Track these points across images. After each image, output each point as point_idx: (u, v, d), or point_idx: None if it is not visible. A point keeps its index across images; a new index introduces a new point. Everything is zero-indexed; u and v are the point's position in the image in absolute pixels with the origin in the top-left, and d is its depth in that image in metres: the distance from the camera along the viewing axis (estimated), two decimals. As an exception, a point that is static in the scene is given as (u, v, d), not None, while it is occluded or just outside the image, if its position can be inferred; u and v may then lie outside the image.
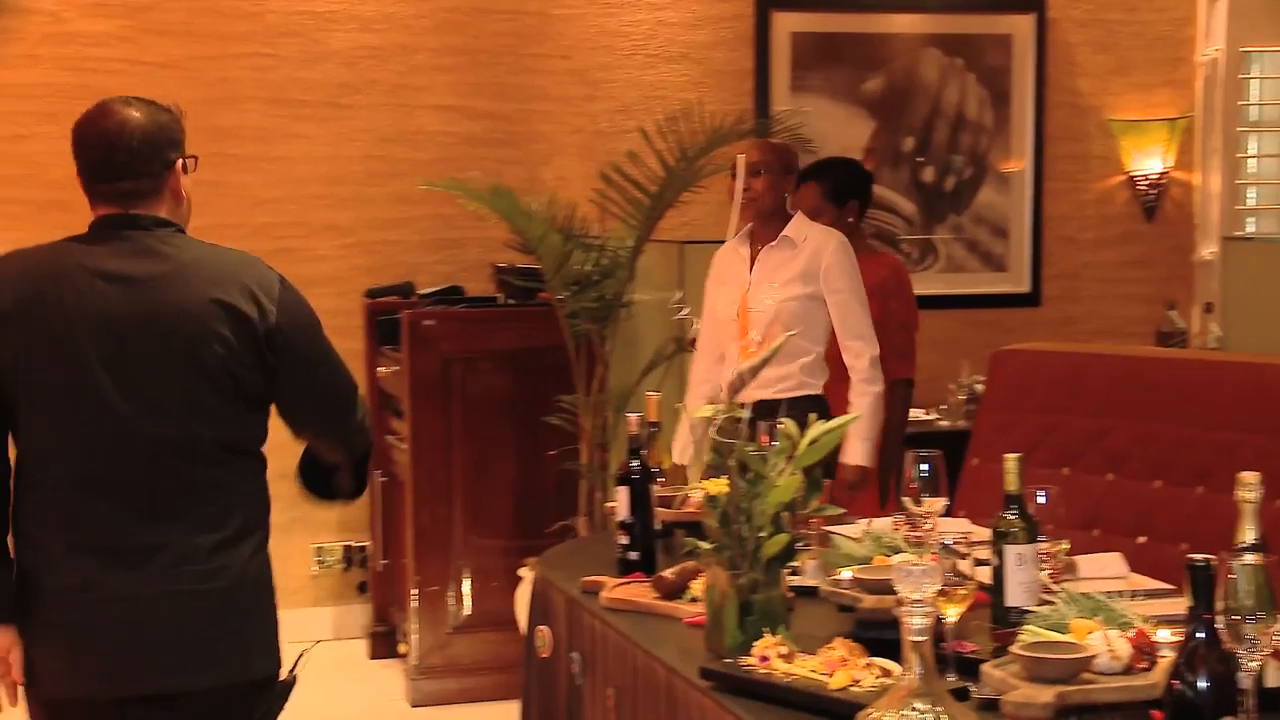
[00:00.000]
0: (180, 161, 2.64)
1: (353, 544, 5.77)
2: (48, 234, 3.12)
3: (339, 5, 5.68)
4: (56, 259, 2.60)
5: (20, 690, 2.64)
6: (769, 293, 4.21)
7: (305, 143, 5.65)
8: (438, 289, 5.44)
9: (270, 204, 5.66)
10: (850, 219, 4.71)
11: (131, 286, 2.55)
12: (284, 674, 2.72)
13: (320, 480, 2.89)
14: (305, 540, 5.74)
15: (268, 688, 2.68)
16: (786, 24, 6.12)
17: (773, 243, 4.27)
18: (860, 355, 4.24)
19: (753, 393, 4.07)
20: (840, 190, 4.70)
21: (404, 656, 5.21)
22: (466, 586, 5.10)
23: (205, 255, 2.63)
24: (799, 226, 4.29)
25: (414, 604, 5.07)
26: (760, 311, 4.18)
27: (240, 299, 2.57)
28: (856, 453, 4.18)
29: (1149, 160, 6.50)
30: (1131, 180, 6.55)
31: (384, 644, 5.52)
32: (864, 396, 4.19)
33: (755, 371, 2.70)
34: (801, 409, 3.93)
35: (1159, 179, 6.52)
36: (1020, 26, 6.39)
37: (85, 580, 2.54)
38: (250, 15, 5.58)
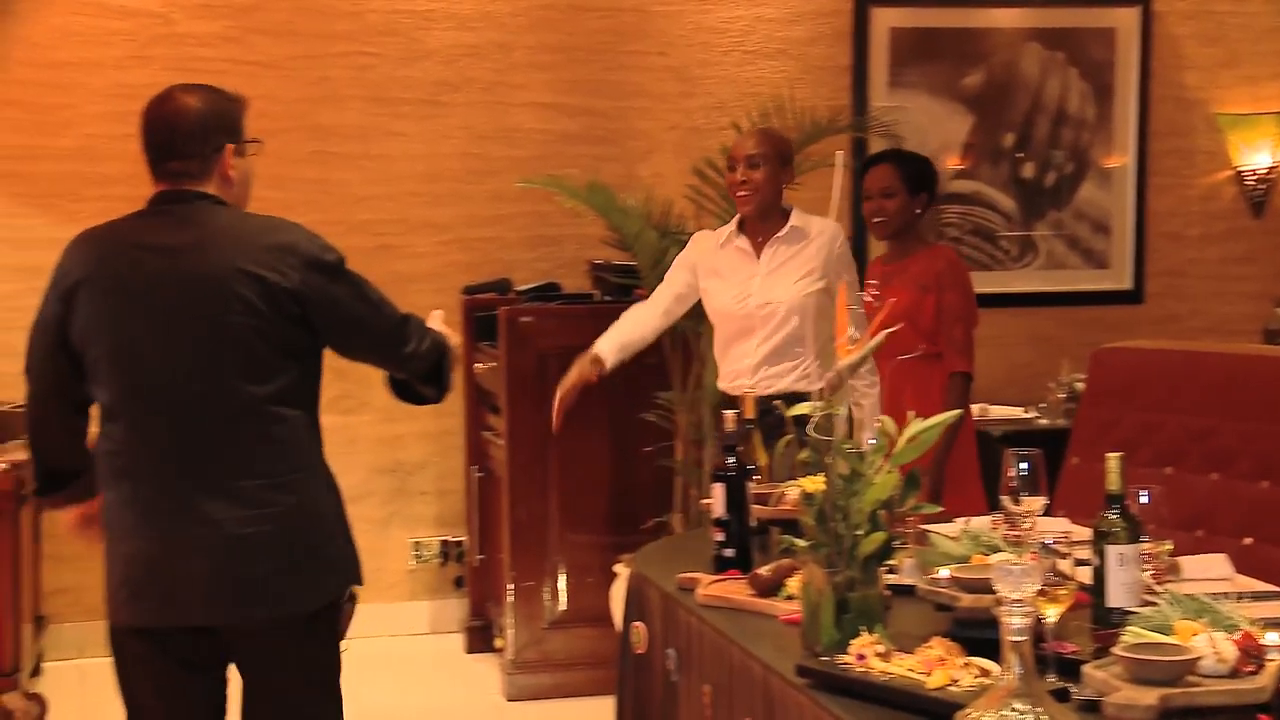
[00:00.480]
0: (230, 146, 2.86)
1: (449, 539, 5.82)
2: None
3: (438, 4, 5.74)
4: (116, 234, 2.88)
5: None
6: (785, 287, 4.15)
7: (404, 140, 5.72)
8: (535, 285, 5.47)
9: (369, 201, 5.73)
10: (919, 210, 4.63)
11: (168, 255, 2.80)
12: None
13: (407, 389, 3.11)
14: (403, 535, 5.80)
15: (320, 617, 2.88)
16: (886, 19, 6.09)
17: (779, 234, 4.19)
18: (873, 387, 4.19)
19: (769, 382, 4.10)
20: (917, 178, 4.63)
21: (500, 651, 5.24)
22: (562, 582, 5.12)
23: (234, 223, 2.84)
24: (805, 218, 4.22)
25: (510, 599, 5.10)
26: (776, 306, 4.14)
27: (262, 263, 2.77)
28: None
29: (1257, 155, 6.38)
30: (1239, 175, 6.43)
31: (480, 638, 5.56)
32: (872, 389, 4.16)
33: (854, 368, 2.67)
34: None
35: (1267, 174, 6.40)
36: (1125, 19, 6.30)
37: (144, 521, 2.79)
38: (351, 15, 5.65)
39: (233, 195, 2.89)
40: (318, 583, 2.86)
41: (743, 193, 4.19)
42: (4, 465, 4.66)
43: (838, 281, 4.12)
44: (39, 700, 4.78)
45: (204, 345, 2.76)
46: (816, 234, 4.18)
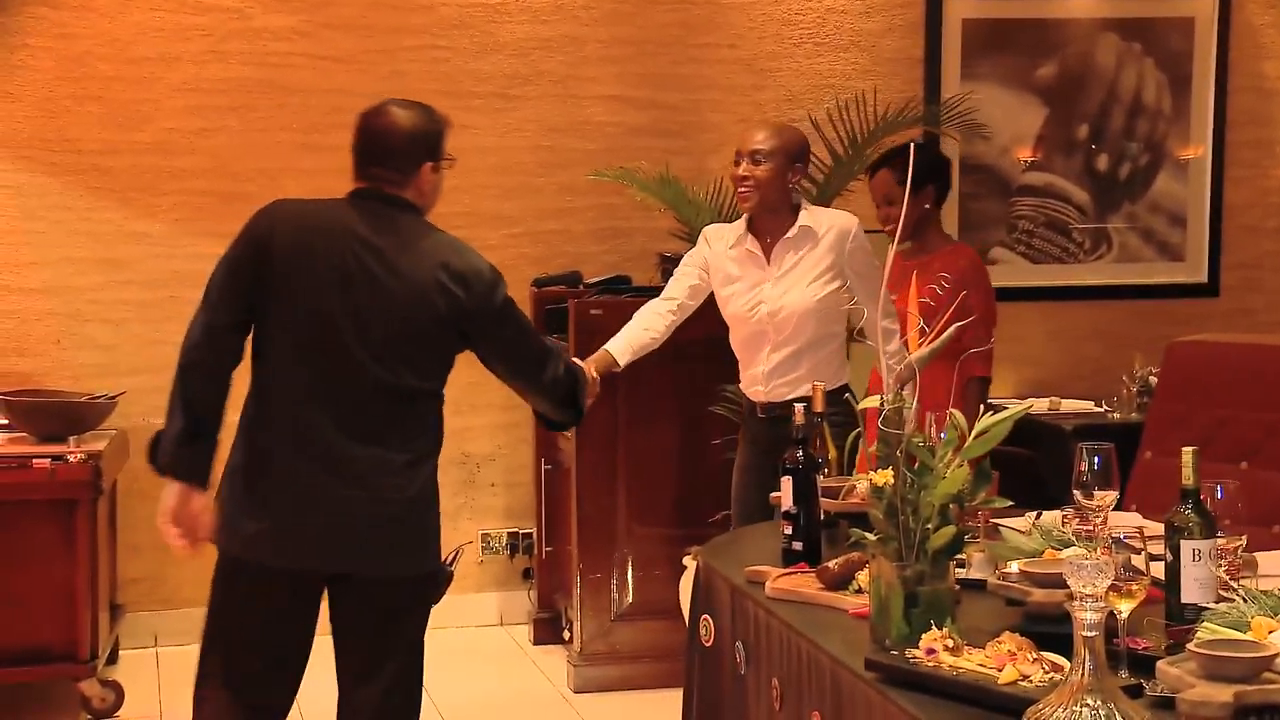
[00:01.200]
0: (429, 165, 3.21)
1: (518, 531, 5.86)
2: (230, 225, 3.32)
3: (510, -3, 5.78)
4: (326, 217, 3.18)
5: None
6: (797, 292, 4.08)
7: (475, 133, 5.74)
8: (604, 278, 5.48)
9: (440, 194, 5.75)
10: (926, 205, 4.53)
11: (375, 253, 3.10)
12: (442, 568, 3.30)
13: (548, 419, 3.55)
14: (473, 527, 5.85)
15: (426, 582, 3.23)
16: (958, 10, 6.06)
17: (788, 235, 4.08)
18: (892, 336, 3.99)
19: (782, 390, 4.06)
20: (915, 175, 4.52)
21: (567, 643, 5.28)
22: (629, 574, 5.14)
23: (432, 235, 3.18)
24: (815, 215, 4.11)
25: (577, 591, 5.13)
26: (790, 311, 4.07)
27: (451, 279, 3.10)
28: None
29: (1338, 145, 6.29)
30: (1320, 167, 6.34)
31: (548, 630, 5.59)
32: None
33: (926, 362, 2.68)
34: (838, 404, 3.95)
35: (1348, 165, 6.31)
36: (1203, 9, 6.24)
37: (298, 474, 3.09)
38: (424, 9, 5.70)
39: (423, 205, 3.25)
40: (428, 551, 3.21)
41: (743, 189, 4.08)
42: (82, 455, 4.73)
43: (856, 278, 4.08)
44: (115, 687, 4.85)
45: (395, 339, 3.09)
46: (826, 231, 4.07)
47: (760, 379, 4.16)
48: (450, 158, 3.28)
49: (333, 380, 3.10)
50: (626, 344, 4.22)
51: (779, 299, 4.09)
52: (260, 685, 3.17)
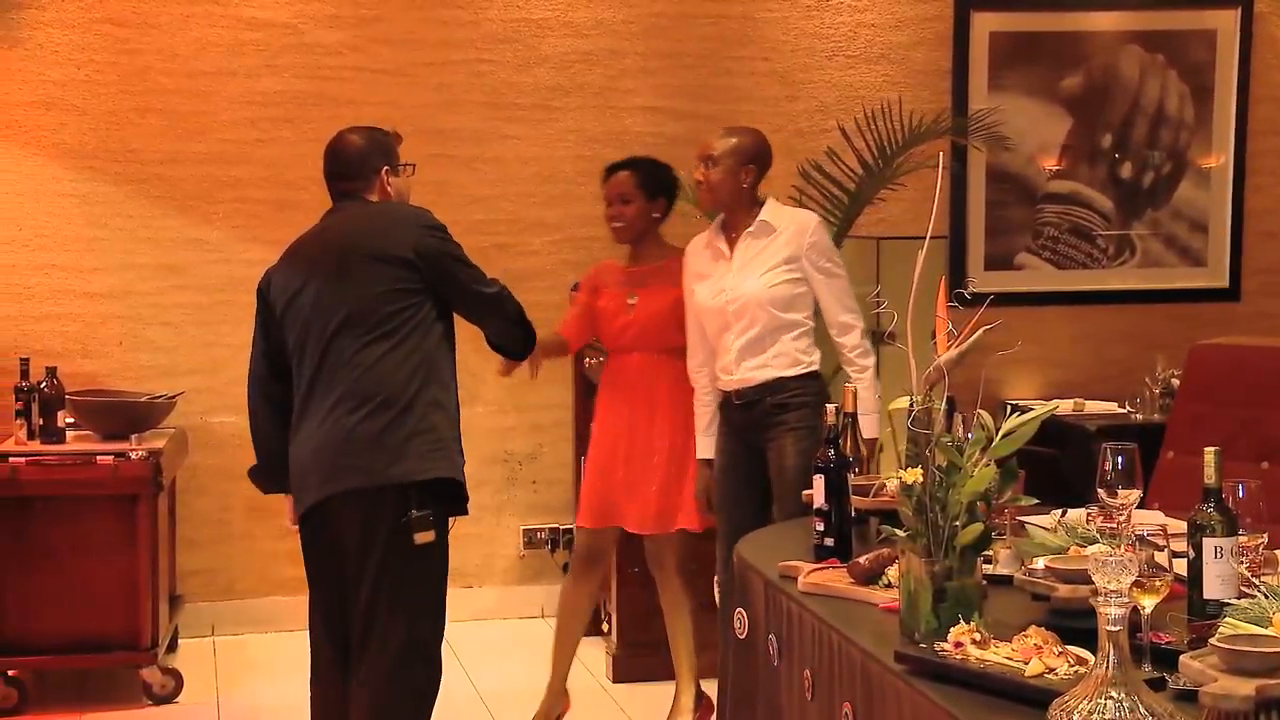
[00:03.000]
0: (385, 169, 3.68)
1: (559, 527, 5.99)
2: (285, 232, 3.59)
3: (552, 12, 5.88)
4: (305, 240, 3.71)
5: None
6: (754, 280, 4.24)
7: (517, 143, 5.88)
8: (642, 284, 5.59)
9: (485, 202, 5.89)
10: (656, 214, 4.61)
11: (328, 234, 3.63)
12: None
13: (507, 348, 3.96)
14: (515, 522, 5.98)
15: (396, 494, 3.52)
16: (986, 24, 6.14)
17: (750, 229, 4.28)
18: (850, 330, 4.26)
19: (751, 374, 4.22)
20: (653, 184, 4.57)
21: (606, 634, 5.37)
22: (667, 568, 5.24)
23: (376, 209, 3.65)
24: (775, 211, 4.31)
25: (615, 584, 5.23)
26: (746, 298, 4.22)
27: (392, 239, 3.54)
28: (868, 426, 4.06)
29: (1357, 154, 6.36)
30: (1339, 174, 6.42)
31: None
32: (864, 372, 4.23)
33: (955, 364, 2.71)
34: (806, 386, 4.17)
35: (1367, 173, 6.38)
36: (1225, 21, 6.31)
37: (304, 437, 3.59)
38: (469, 24, 5.80)
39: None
40: (398, 465, 3.52)
41: (700, 191, 4.34)
42: (143, 453, 4.86)
43: (813, 270, 4.25)
44: (175, 675, 4.98)
45: (342, 301, 3.53)
46: (786, 226, 4.27)
47: (730, 367, 4.30)
48: (407, 164, 3.75)
49: (313, 361, 3.58)
50: (708, 428, 4.44)
51: (738, 288, 4.26)
52: None
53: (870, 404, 4.14)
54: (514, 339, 3.84)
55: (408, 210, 3.69)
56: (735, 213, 4.32)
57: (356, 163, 3.67)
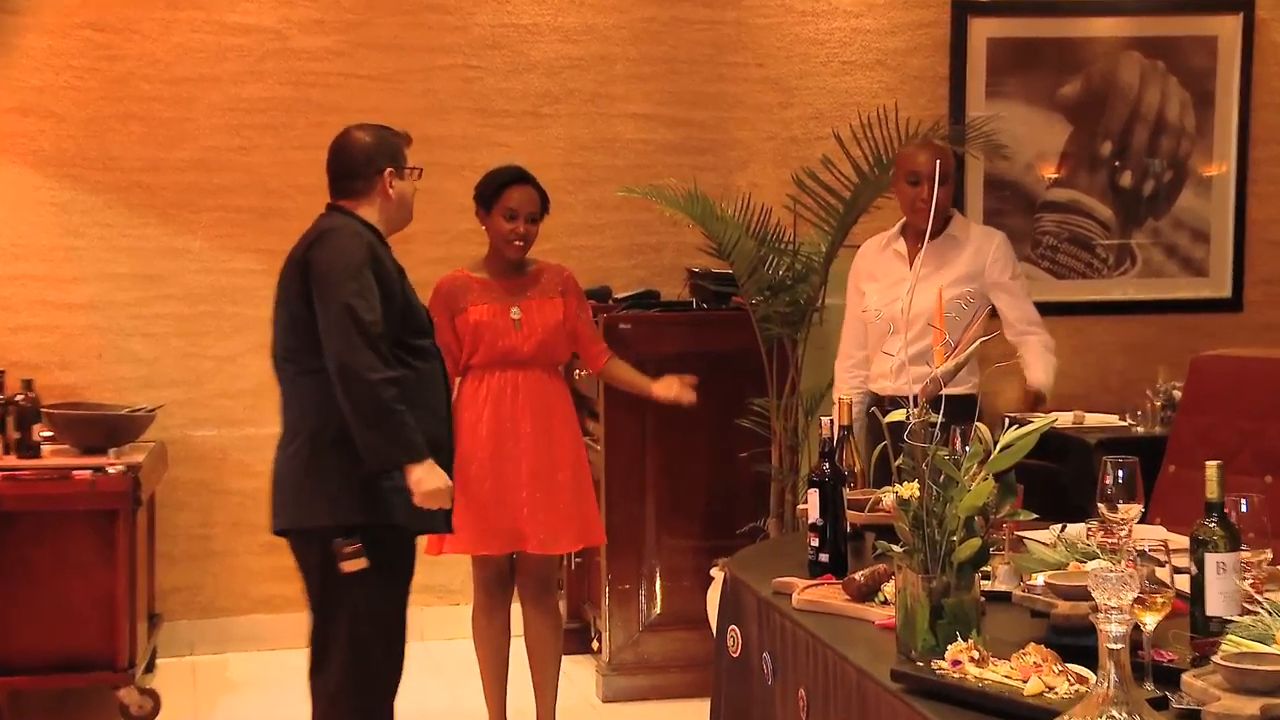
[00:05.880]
0: (389, 170, 3.59)
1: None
2: (268, 241, 3.46)
3: (542, 18, 5.83)
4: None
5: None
6: (933, 292, 4.20)
7: (507, 151, 5.80)
8: (633, 293, 5.54)
9: (473, 210, 5.81)
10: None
11: (294, 250, 3.56)
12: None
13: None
14: (503, 537, 5.90)
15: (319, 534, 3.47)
16: (983, 30, 6.11)
17: (936, 239, 4.39)
18: (1026, 340, 4.53)
19: (912, 385, 4.16)
20: (546, 202, 4.51)
21: (596, 653, 5.32)
22: (658, 585, 5.19)
23: (320, 224, 3.56)
24: (961, 224, 4.45)
25: (606, 602, 5.17)
26: (921, 311, 4.16)
27: (304, 255, 3.48)
28: (1038, 377, 4.56)
29: (1360, 162, 6.30)
30: (1341, 183, 6.36)
31: (577, 640, 5.62)
32: (1046, 348, 4.54)
33: (952, 375, 2.76)
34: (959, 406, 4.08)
35: (1371, 182, 6.32)
36: (1226, 27, 6.27)
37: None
38: (457, 29, 5.76)
39: (388, 209, 3.63)
40: (313, 509, 3.48)
41: (918, 210, 4.40)
42: (121, 467, 4.78)
43: (994, 287, 4.43)
44: (152, 695, 4.90)
45: (281, 322, 3.53)
46: (971, 241, 4.42)
47: (889, 374, 4.33)
48: (414, 168, 3.66)
49: (275, 369, 3.63)
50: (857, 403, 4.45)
51: (915, 298, 4.23)
52: None
53: (1044, 364, 4.54)
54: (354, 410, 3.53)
55: (346, 242, 3.45)
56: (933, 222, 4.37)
57: (360, 161, 3.61)
